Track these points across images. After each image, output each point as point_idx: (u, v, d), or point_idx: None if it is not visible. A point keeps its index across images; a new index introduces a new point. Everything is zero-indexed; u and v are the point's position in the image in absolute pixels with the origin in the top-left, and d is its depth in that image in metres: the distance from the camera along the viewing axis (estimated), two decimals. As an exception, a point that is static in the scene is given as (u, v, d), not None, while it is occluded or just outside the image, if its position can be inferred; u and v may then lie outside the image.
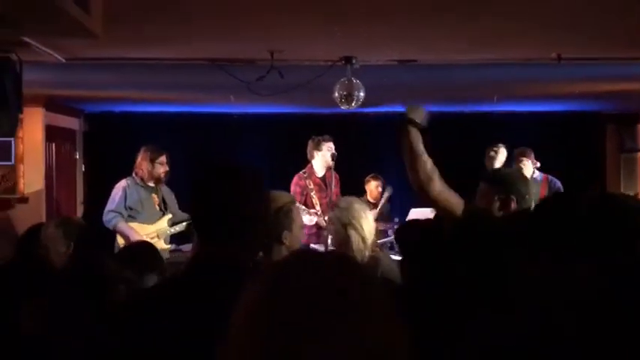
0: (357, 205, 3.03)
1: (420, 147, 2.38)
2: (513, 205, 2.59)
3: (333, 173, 5.58)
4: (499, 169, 5.04)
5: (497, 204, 2.61)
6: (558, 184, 5.57)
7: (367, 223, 2.97)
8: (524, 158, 5.51)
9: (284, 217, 2.43)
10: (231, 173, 1.59)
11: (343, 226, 2.93)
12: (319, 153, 5.60)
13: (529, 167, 5.51)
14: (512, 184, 2.69)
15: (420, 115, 2.41)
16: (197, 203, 1.58)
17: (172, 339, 1.40)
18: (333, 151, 5.57)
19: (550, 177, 5.59)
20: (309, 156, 5.69)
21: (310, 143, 5.67)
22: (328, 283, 0.78)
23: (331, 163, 5.55)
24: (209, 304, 1.38)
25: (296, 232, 2.49)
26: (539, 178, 5.52)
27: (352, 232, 2.91)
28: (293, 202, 2.60)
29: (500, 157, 5.43)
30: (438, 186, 2.38)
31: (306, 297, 0.76)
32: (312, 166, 5.70)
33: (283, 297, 0.77)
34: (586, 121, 8.13)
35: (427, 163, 2.37)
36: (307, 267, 0.81)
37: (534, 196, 5.31)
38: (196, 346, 1.34)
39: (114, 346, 1.52)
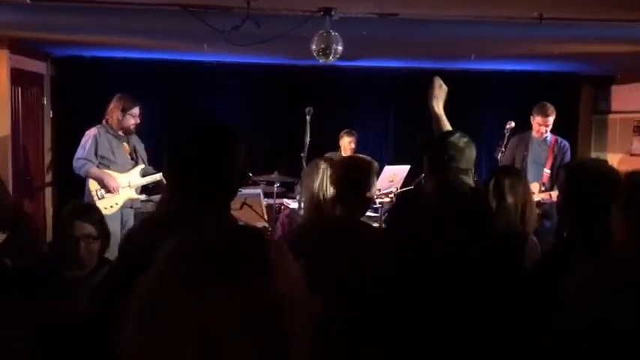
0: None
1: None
2: None
3: None
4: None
5: None
6: (567, 145, 5.57)
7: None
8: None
9: (373, 176, 2.67)
10: (224, 134, 1.56)
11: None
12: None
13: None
14: None
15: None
16: (179, 160, 1.52)
17: None
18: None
19: (559, 139, 5.58)
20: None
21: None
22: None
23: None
24: None
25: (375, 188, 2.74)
26: (549, 139, 5.53)
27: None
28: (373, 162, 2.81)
29: None
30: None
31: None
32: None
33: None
34: (562, 82, 8.12)
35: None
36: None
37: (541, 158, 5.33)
38: None
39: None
